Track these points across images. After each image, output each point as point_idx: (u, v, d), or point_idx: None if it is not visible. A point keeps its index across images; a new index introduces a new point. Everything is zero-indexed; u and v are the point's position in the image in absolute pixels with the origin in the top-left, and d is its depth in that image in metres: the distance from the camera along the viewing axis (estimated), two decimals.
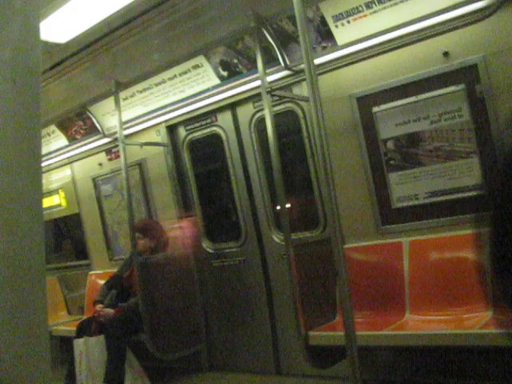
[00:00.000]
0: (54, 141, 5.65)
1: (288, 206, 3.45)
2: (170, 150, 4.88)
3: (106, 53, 4.15)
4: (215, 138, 4.65)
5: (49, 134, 5.60)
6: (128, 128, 4.82)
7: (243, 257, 4.54)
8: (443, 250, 3.32)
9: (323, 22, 3.42)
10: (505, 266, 1.03)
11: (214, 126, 4.64)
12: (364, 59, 3.46)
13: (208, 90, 4.26)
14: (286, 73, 3.85)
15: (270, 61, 3.74)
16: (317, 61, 3.33)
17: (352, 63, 3.53)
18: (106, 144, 5.37)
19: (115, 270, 5.02)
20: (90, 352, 4.34)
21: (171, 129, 4.90)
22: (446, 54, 3.18)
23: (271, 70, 3.77)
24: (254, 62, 3.67)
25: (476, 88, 3.10)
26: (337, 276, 2.73)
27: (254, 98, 4.19)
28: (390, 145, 3.47)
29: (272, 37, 3.64)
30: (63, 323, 5.56)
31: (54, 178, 6.13)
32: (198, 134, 4.78)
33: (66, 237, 6.51)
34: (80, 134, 5.43)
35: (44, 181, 5.85)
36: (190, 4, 3.63)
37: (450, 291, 3.17)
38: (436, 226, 3.34)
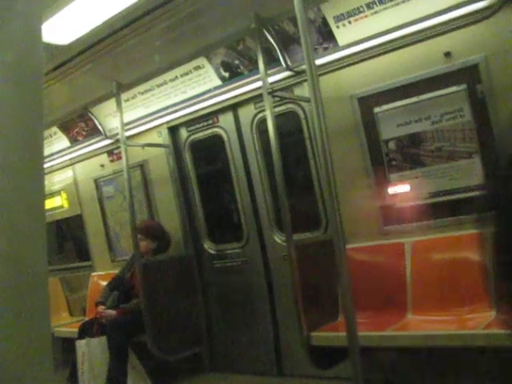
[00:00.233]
0: (56, 142, 5.65)
1: (289, 206, 3.44)
2: (172, 152, 4.88)
3: (108, 54, 4.15)
4: (217, 139, 4.65)
5: (51, 136, 5.60)
6: (130, 129, 4.83)
7: (245, 258, 4.54)
8: (445, 250, 3.31)
9: (324, 22, 3.42)
10: (507, 265, 1.03)
11: (216, 127, 4.64)
12: (365, 60, 3.46)
13: (209, 91, 4.26)
14: (287, 74, 3.85)
15: (272, 62, 3.74)
16: (318, 61, 3.32)
17: (353, 64, 3.53)
18: (107, 145, 5.38)
19: (117, 271, 5.02)
20: (92, 353, 4.34)
21: (173, 130, 4.90)
22: (447, 54, 3.17)
23: (272, 70, 3.77)
24: (256, 63, 3.67)
25: (477, 88, 3.10)
26: (339, 277, 2.72)
27: (256, 98, 4.19)
28: (391, 145, 3.47)
29: (273, 38, 3.65)
30: (65, 324, 5.56)
31: (56, 180, 6.13)
32: (199, 135, 4.78)
33: (67, 238, 6.51)
34: (82, 135, 5.44)
35: (46, 182, 5.85)
36: (192, 5, 3.62)
37: (453, 291, 3.16)
38: (438, 227, 3.34)
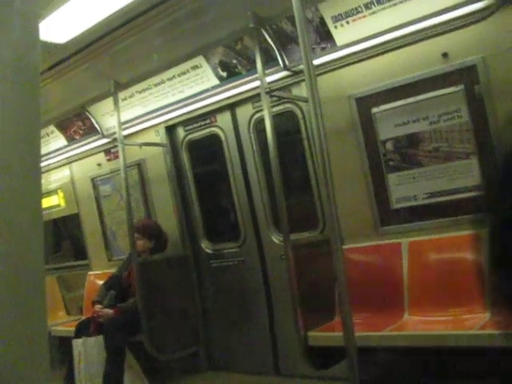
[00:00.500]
0: (53, 141, 5.65)
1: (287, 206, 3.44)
2: (169, 151, 4.88)
3: (105, 53, 4.14)
4: (214, 139, 4.65)
5: (48, 135, 5.59)
6: (127, 128, 4.82)
7: (242, 257, 4.54)
8: (442, 250, 3.32)
9: (322, 22, 3.42)
10: (503, 266, 1.03)
11: (213, 126, 4.64)
12: (363, 60, 3.46)
13: (207, 90, 4.26)
14: (285, 73, 3.85)
15: (269, 61, 3.74)
16: (316, 61, 3.33)
17: (351, 64, 3.53)
18: (104, 144, 5.36)
19: (114, 270, 5.01)
20: (88, 352, 4.33)
21: (170, 129, 4.90)
22: (445, 54, 3.18)
23: (270, 70, 3.77)
24: (253, 62, 3.67)
25: (475, 89, 3.11)
26: (336, 277, 2.73)
27: (253, 98, 4.19)
28: (389, 145, 3.47)
29: (271, 37, 3.64)
30: (62, 323, 5.55)
31: (53, 179, 6.12)
32: (197, 135, 4.78)
33: (64, 237, 6.50)
34: (79, 134, 5.43)
35: (43, 181, 5.84)
36: (189, 4, 3.62)
37: (449, 292, 3.16)
38: (435, 227, 3.35)
